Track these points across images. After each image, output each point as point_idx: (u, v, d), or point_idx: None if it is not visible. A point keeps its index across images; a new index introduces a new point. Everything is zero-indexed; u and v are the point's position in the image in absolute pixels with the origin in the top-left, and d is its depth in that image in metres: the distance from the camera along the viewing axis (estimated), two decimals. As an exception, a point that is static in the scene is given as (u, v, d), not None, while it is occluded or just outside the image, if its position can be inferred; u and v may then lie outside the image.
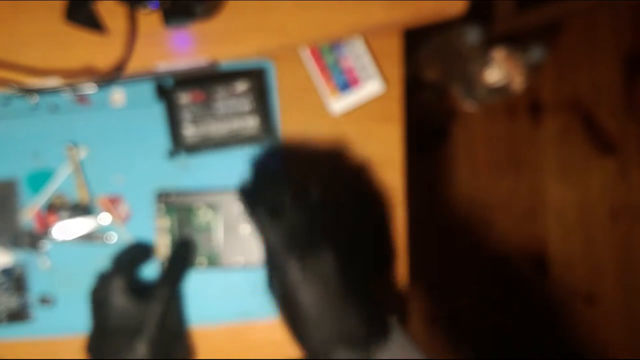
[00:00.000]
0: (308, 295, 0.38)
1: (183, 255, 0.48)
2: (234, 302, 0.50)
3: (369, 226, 0.50)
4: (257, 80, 0.48)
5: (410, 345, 0.39)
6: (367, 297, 0.40)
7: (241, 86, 0.48)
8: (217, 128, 0.49)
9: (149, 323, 0.43)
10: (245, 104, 0.48)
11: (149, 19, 0.45)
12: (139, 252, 0.49)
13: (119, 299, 0.43)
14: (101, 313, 0.44)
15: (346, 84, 0.50)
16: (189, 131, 0.48)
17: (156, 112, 0.49)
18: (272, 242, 0.41)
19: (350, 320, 0.38)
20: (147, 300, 0.44)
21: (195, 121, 0.48)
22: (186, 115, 0.48)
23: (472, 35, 0.69)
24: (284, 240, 0.40)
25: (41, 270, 0.49)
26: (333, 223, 0.43)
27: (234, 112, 0.48)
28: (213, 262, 0.49)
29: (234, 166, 0.49)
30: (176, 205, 0.49)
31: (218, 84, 0.48)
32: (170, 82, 0.48)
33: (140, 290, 0.45)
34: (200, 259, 0.49)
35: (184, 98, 0.48)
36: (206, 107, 0.48)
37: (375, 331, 0.39)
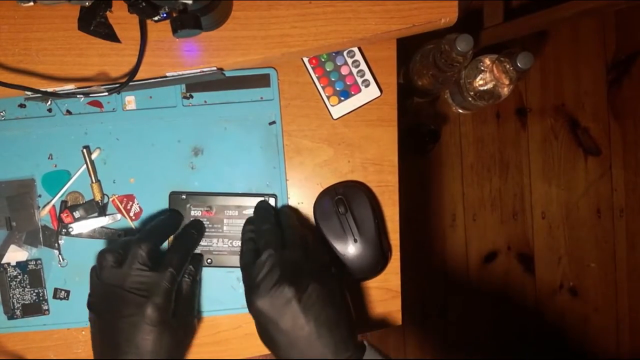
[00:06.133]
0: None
1: (193, 231, 0.50)
2: (238, 296, 0.53)
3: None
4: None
5: None
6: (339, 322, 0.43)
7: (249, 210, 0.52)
8: (219, 245, 0.52)
9: (158, 290, 0.43)
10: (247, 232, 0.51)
11: (159, 29, 0.47)
12: (169, 224, 0.50)
13: (139, 264, 0.43)
14: (117, 273, 0.44)
15: (344, 90, 0.53)
16: None
17: (166, 115, 0.52)
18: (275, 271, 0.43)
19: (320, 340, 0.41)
20: (160, 269, 0.44)
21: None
22: None
23: (462, 44, 0.72)
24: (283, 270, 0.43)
25: (55, 265, 0.51)
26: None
27: (237, 234, 0.52)
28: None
29: (238, 169, 0.52)
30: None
31: (228, 208, 0.51)
32: (184, 195, 0.51)
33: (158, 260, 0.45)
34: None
35: (195, 212, 0.51)
36: (214, 223, 0.52)
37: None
